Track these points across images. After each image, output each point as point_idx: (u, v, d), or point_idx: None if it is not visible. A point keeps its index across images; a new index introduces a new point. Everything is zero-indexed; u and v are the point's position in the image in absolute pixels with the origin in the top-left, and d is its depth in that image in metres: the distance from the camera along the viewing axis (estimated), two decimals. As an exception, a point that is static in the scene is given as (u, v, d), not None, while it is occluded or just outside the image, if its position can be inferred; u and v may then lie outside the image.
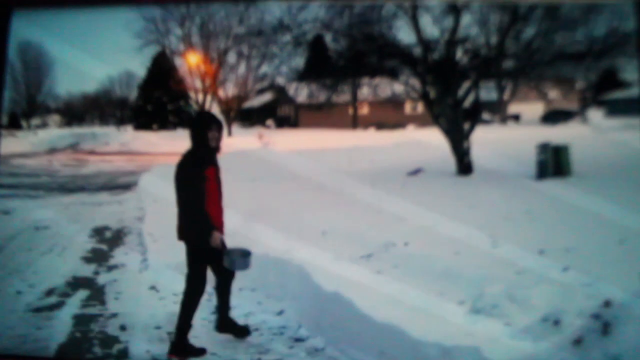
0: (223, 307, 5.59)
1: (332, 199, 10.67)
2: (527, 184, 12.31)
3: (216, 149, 5.40)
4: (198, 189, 5.29)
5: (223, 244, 5.40)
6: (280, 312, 6.12)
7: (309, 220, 8.78)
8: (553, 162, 13.31)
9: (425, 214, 9.02)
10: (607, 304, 3.96)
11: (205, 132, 5.31)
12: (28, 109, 35.17)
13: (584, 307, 4.37)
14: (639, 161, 13.39)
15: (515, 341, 4.40)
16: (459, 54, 16.09)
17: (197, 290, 5.44)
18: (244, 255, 5.45)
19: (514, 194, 10.66)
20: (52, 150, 29.90)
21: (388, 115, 32.68)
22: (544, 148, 13.44)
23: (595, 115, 31.88)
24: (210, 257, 5.44)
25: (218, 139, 5.36)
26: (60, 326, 5.88)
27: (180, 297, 6.71)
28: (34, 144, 29.95)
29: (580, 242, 6.95)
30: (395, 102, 25.10)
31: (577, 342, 3.83)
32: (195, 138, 5.39)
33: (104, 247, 9.30)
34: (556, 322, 4.41)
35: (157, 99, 39.35)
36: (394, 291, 5.55)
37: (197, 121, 5.71)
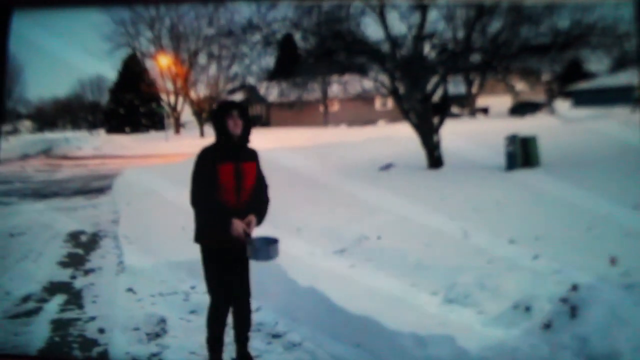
0: (238, 335, 4.99)
1: (305, 196, 10.73)
2: (496, 175, 12.47)
3: (240, 139, 4.68)
4: (205, 184, 4.64)
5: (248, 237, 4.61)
6: (257, 309, 6.17)
7: (284, 217, 8.82)
8: (522, 153, 13.50)
9: (397, 207, 9.12)
10: (574, 288, 4.07)
11: (224, 120, 4.63)
12: (-2, 115, 34.82)
13: (554, 293, 4.48)
14: (605, 150, 13.65)
15: (488, 328, 4.50)
16: (427, 49, 16.26)
17: (217, 302, 4.83)
18: (268, 243, 4.70)
19: (484, 185, 10.81)
20: (25, 156, 29.65)
21: (358, 112, 32.88)
22: (512, 140, 13.63)
23: (562, 106, 32.40)
24: (228, 260, 4.73)
25: (241, 126, 4.65)
26: (38, 331, 5.84)
27: (157, 298, 6.77)
28: (5, 150, 29.65)
29: (549, 230, 7.10)
30: (365, 99, 25.25)
31: (547, 326, 3.94)
32: (215, 129, 4.75)
33: (79, 251, 9.25)
34: (527, 309, 4.52)
35: (129, 102, 39.24)
36: (368, 284, 5.64)
37: (215, 111, 4.98)
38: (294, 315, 5.63)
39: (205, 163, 4.68)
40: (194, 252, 4.76)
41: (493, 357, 4.05)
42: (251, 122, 4.83)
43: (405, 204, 9.39)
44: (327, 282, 5.59)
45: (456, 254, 6.37)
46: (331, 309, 5.12)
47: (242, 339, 4.99)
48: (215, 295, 4.84)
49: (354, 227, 7.99)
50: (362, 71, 16.86)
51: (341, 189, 11.28)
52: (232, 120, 4.62)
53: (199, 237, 4.79)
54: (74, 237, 10.25)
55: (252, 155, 4.83)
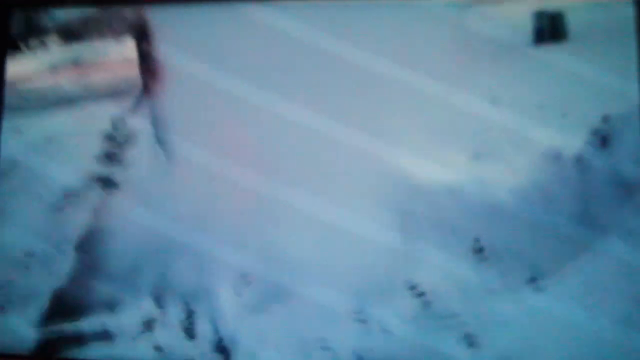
0: None
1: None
2: (524, 50, 12.25)
3: None
4: None
5: None
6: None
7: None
8: (549, 28, 13.21)
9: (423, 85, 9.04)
10: (605, 119, 4.00)
11: None
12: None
13: (581, 135, 4.42)
14: (627, 24, 13.25)
15: (518, 175, 4.48)
16: None
17: None
18: None
19: (512, 60, 10.62)
20: (54, 68, 29.83)
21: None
22: (539, 15, 13.30)
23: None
24: None
25: None
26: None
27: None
28: (34, 64, 29.94)
29: (577, 94, 6.98)
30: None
31: (579, 160, 3.89)
32: None
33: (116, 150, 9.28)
34: (557, 155, 4.47)
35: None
36: (399, 150, 5.64)
37: None
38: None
39: None
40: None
41: (525, 195, 4.03)
42: None
43: (430, 82, 9.30)
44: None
45: (484, 119, 6.32)
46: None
47: None
48: None
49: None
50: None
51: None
52: None
53: None
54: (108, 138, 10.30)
55: None
